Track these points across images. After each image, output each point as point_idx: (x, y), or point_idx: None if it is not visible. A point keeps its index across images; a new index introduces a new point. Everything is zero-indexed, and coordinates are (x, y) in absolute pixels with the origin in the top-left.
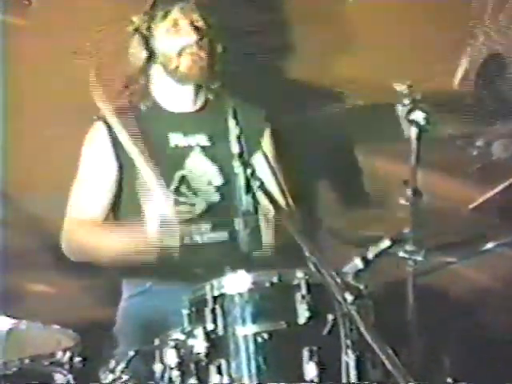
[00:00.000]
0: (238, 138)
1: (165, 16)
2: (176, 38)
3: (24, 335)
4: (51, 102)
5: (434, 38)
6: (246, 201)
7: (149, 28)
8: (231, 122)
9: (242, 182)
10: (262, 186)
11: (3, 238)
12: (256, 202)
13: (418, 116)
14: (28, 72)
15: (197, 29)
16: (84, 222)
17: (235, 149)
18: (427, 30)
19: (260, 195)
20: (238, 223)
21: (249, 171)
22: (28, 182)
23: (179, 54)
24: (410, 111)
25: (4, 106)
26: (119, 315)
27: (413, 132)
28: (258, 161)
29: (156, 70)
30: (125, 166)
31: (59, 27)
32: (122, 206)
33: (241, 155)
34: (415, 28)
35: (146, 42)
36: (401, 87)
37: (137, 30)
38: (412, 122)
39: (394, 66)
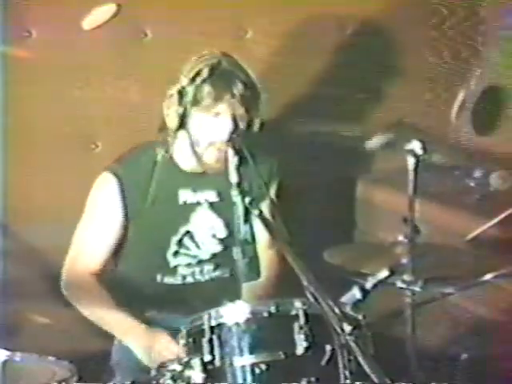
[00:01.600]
0: (237, 167)
1: (212, 107)
2: (212, 129)
3: (19, 367)
4: (51, 132)
5: (434, 70)
6: (244, 230)
7: (192, 103)
8: (230, 152)
9: (240, 211)
10: (260, 215)
11: (1, 268)
12: (254, 232)
13: (415, 145)
14: (28, 103)
15: (236, 122)
16: (84, 271)
17: (234, 178)
18: (427, 61)
19: (259, 227)
20: (236, 253)
21: (247, 200)
22: (27, 213)
23: (208, 145)
24: (407, 141)
25: (5, 137)
26: (116, 346)
27: (410, 162)
28: (263, 206)
29: (183, 138)
30: (132, 218)
31: (60, 58)
32: (124, 254)
33: (239, 184)
34: (416, 59)
35: (183, 115)
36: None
37: (179, 93)
38: (409, 152)
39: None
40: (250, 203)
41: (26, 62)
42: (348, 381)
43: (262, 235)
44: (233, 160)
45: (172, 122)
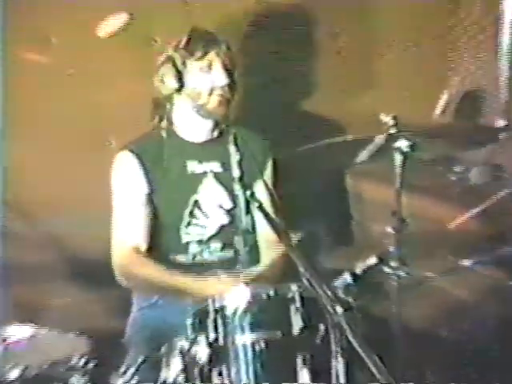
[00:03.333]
0: (239, 162)
1: (202, 57)
2: (209, 77)
3: (43, 342)
4: (69, 131)
5: (420, 72)
6: (245, 221)
7: (184, 63)
8: (232, 148)
9: (242, 203)
10: (260, 207)
11: (28, 254)
12: (255, 222)
13: (402, 144)
14: (48, 104)
15: (228, 72)
16: (132, 252)
17: (235, 173)
18: (414, 64)
19: (258, 216)
20: (238, 242)
21: (248, 193)
22: (51, 205)
23: (210, 93)
24: (395, 139)
25: (27, 135)
26: (129, 326)
27: (397, 158)
28: (259, 187)
29: (181, 101)
30: (154, 190)
31: (77, 62)
32: (158, 227)
33: (241, 178)
34: (403, 62)
35: (179, 74)
36: (386, 118)
37: (170, 60)
38: (396, 150)
39: (384, 100)
40: (251, 196)
41: (47, 66)
42: (339, 356)
43: (262, 224)
44: (234, 156)
45: (170, 83)
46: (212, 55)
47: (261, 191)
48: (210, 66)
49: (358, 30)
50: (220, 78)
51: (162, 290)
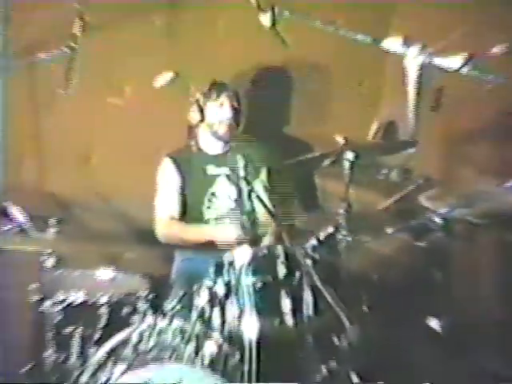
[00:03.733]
0: (245, 166)
1: (216, 99)
2: (220, 112)
3: (120, 281)
4: (133, 142)
5: (361, 109)
6: (248, 205)
7: (205, 103)
8: (239, 156)
9: (245, 193)
10: (258, 197)
11: (106, 224)
12: (254, 206)
13: (349, 155)
14: (121, 134)
15: (234, 108)
16: (167, 220)
17: (241, 173)
18: (356, 104)
19: (257, 202)
20: (243, 219)
21: (249, 187)
22: (121, 191)
23: (220, 123)
24: (345, 152)
25: (103, 147)
26: (173, 271)
27: (346, 164)
28: (257, 184)
29: (203, 128)
30: (186, 185)
31: (142, 105)
32: (188, 208)
33: (245, 177)
34: (351, 102)
35: (202, 111)
36: (340, 139)
37: (197, 102)
38: (346, 159)
39: (339, 127)
40: (252, 189)
41: (122, 108)
42: (309, 292)
43: (259, 207)
44: (241, 161)
45: (196, 116)
46: (223, 98)
47: (259, 186)
48: (221, 105)
49: (320, 80)
50: (227, 113)
51: (189, 243)
